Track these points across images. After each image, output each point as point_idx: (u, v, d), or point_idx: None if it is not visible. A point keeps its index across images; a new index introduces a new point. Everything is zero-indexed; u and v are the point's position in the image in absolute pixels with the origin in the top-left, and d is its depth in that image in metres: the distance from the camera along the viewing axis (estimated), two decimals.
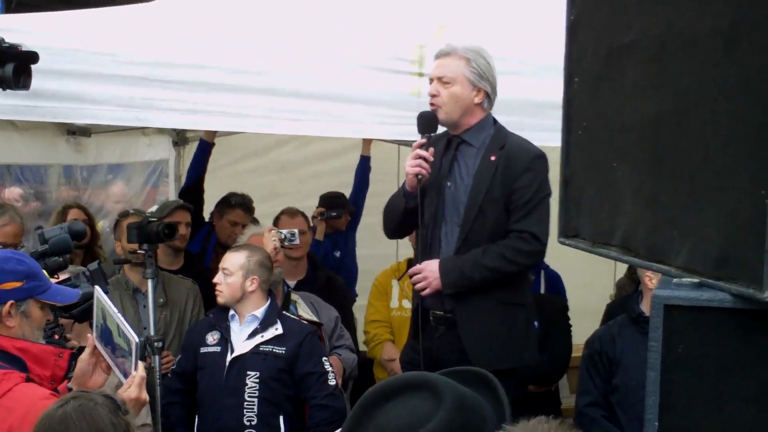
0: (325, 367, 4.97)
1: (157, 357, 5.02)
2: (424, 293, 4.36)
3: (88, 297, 3.77)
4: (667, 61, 1.84)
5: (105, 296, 3.60)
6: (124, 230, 5.45)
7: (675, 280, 1.78)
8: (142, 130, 7.74)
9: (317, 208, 7.11)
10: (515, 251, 4.34)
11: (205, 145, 6.91)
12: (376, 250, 7.23)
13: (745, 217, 1.61)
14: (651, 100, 1.90)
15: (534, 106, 4.71)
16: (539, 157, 4.40)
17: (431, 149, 4.33)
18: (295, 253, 5.98)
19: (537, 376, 5.56)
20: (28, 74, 4.25)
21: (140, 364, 3.33)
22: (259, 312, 5.01)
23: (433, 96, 4.34)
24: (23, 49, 4.24)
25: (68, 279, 4.11)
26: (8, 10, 11.10)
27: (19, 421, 3.08)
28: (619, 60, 2.01)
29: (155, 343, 5.03)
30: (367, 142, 7.30)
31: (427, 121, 4.35)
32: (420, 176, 4.32)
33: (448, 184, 4.40)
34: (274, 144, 8.04)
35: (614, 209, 2.02)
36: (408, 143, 4.68)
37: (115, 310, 3.48)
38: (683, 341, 1.74)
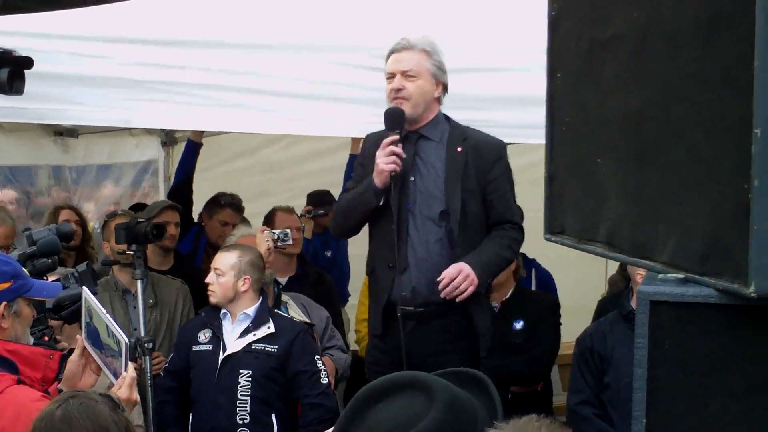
0: (318, 365, 4.96)
1: (147, 358, 5.01)
2: (465, 295, 4.29)
3: (77, 298, 3.76)
4: (648, 54, 1.83)
5: (93, 297, 3.59)
6: (112, 231, 5.43)
7: (660, 275, 1.77)
8: (130, 131, 7.73)
9: (305, 206, 7.10)
10: (515, 242, 4.50)
11: (193, 145, 6.90)
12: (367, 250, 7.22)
13: (729, 210, 1.60)
14: (633, 94, 1.89)
15: (516, 103, 4.71)
16: (504, 147, 4.49)
17: (400, 144, 4.32)
18: (288, 251, 5.97)
19: (517, 378, 5.52)
20: (22, 79, 4.23)
21: (130, 364, 3.33)
22: (251, 310, 5.00)
23: (398, 90, 4.32)
24: (17, 54, 4.23)
25: (57, 280, 4.10)
26: None
27: (12, 423, 3.08)
28: (601, 54, 2.00)
29: (146, 344, 5.02)
30: (356, 141, 7.25)
31: (394, 117, 4.33)
32: (393, 172, 4.30)
33: (412, 178, 4.38)
34: (262, 144, 8.04)
35: (599, 204, 2.01)
36: None
37: (104, 311, 3.47)
38: (669, 337, 1.73)
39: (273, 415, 4.91)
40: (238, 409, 4.86)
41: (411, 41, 4.33)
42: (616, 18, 1.91)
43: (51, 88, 4.89)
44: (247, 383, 4.87)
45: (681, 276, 1.74)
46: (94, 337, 3.51)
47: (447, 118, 4.47)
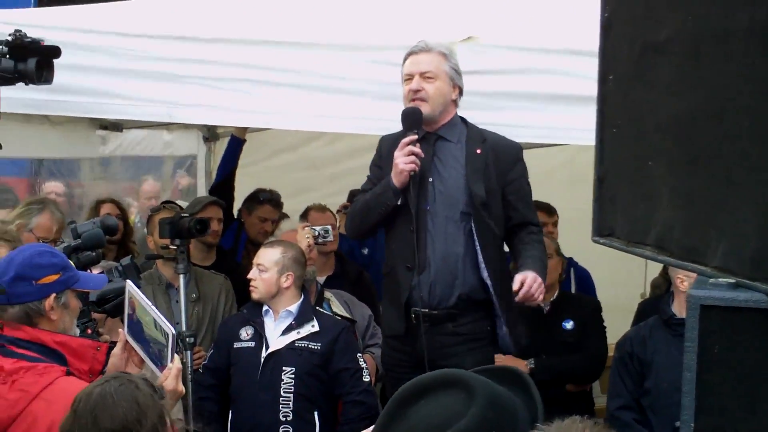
0: (360, 363, 4.98)
1: (188, 352, 5.04)
2: (540, 300, 4.39)
3: (121, 292, 3.79)
4: (701, 58, 1.82)
5: (137, 290, 3.62)
6: (156, 225, 5.48)
7: (711, 280, 1.77)
8: (173, 125, 7.78)
9: (344, 202, 7.12)
10: (542, 239, 4.58)
11: (237, 141, 6.93)
12: None
13: None
14: (686, 98, 1.88)
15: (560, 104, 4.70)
16: (521, 148, 4.57)
17: (418, 144, 4.34)
18: (327, 248, 5.99)
19: (575, 375, 5.54)
20: (51, 69, 4.26)
21: (176, 356, 3.35)
22: (294, 308, 5.02)
23: (417, 91, 4.36)
24: (46, 43, 4.26)
25: (101, 273, 4.14)
26: (41, 4, 11.19)
27: (62, 415, 3.10)
28: (654, 57, 1.99)
29: (187, 339, 5.05)
30: None
31: (412, 117, 4.36)
32: (413, 172, 4.32)
33: (430, 179, 4.41)
34: (304, 140, 8.06)
35: (649, 208, 2.01)
36: None
37: (149, 303, 3.50)
38: (719, 342, 1.73)
39: (315, 412, 4.93)
40: (281, 406, 4.88)
41: (428, 44, 4.39)
42: (670, 21, 1.90)
43: (97, 82, 4.95)
44: (290, 380, 4.89)
45: (732, 281, 1.74)
46: (136, 330, 3.54)
47: (463, 119, 4.50)
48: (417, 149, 4.32)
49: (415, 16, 5.11)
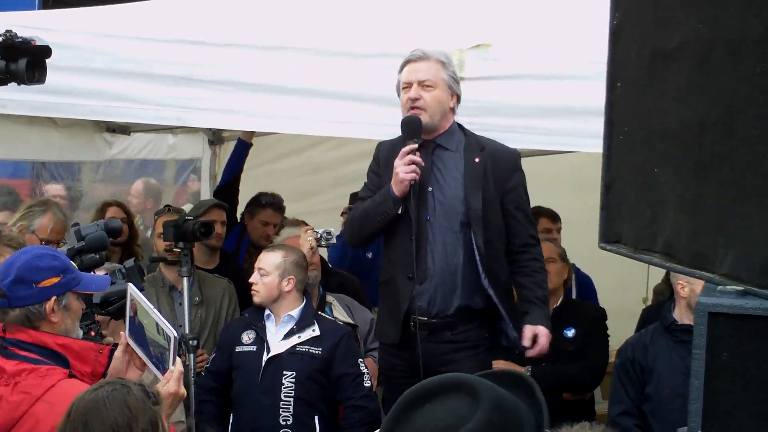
0: (361, 368, 4.99)
1: (191, 355, 5.05)
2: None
3: (124, 294, 3.79)
4: (712, 66, 1.82)
5: (139, 293, 3.62)
6: (161, 228, 5.48)
7: (719, 287, 1.77)
8: (178, 129, 7.79)
9: (347, 206, 7.12)
10: (543, 264, 4.59)
11: (243, 145, 6.94)
12: None
13: None
14: (695, 105, 1.88)
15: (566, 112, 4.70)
16: (520, 157, 4.56)
17: (418, 153, 4.34)
18: None
19: (573, 384, 5.53)
20: (43, 69, 4.27)
21: (178, 359, 3.35)
22: (295, 312, 5.03)
23: (415, 99, 4.35)
24: (37, 43, 4.26)
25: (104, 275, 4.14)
26: (45, 6, 11.20)
27: None
28: (664, 64, 1.99)
29: (190, 342, 5.06)
30: None
31: (411, 126, 4.37)
32: (413, 181, 4.32)
33: (430, 188, 4.41)
34: (308, 144, 8.05)
35: (657, 215, 2.01)
36: None
37: (151, 306, 3.50)
38: (727, 349, 1.73)
39: (316, 417, 4.94)
40: (281, 410, 4.89)
41: (426, 51, 4.39)
42: (680, 28, 1.90)
43: (104, 85, 4.96)
44: (291, 385, 4.90)
45: (740, 288, 1.74)
46: (138, 333, 3.54)
47: (461, 127, 4.50)
48: (417, 158, 4.33)
49: (424, 22, 5.12)
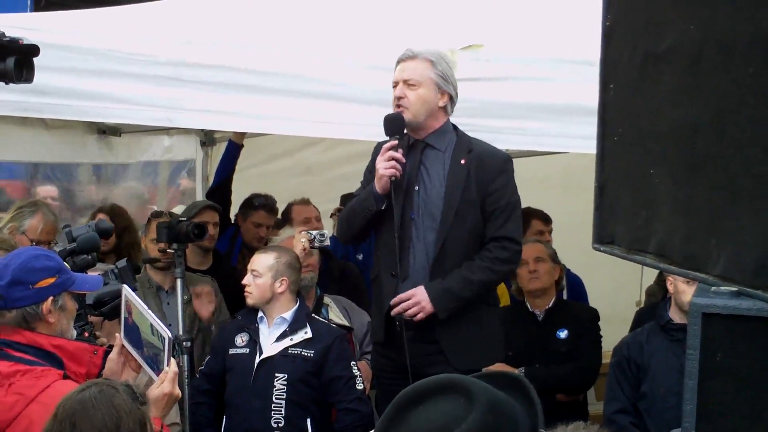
0: (353, 371, 4.99)
1: (185, 357, 5.05)
2: (417, 318, 4.35)
3: (117, 294, 3.79)
4: (704, 68, 1.83)
5: (134, 294, 3.62)
6: (154, 229, 5.48)
7: (713, 288, 1.77)
8: (167, 130, 7.78)
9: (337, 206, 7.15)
10: (498, 261, 4.44)
11: (234, 146, 6.94)
12: None
13: None
14: (688, 107, 1.89)
15: (558, 113, 4.71)
16: (508, 160, 4.51)
17: (400, 150, 4.35)
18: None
19: (566, 386, 5.54)
20: (31, 68, 4.26)
21: (172, 360, 3.35)
22: (288, 314, 5.03)
23: (399, 98, 4.37)
24: (25, 42, 4.26)
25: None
26: (38, 8, 11.19)
27: None
28: (656, 66, 2.00)
29: (183, 343, 5.06)
30: None
31: (394, 123, 4.38)
32: (393, 178, 4.33)
33: (416, 187, 4.42)
34: (301, 146, 8.06)
35: (650, 216, 2.01)
36: None
37: (146, 308, 3.51)
38: (721, 350, 1.73)
39: (308, 420, 4.94)
40: (273, 412, 4.89)
41: (416, 51, 4.39)
42: (672, 30, 1.91)
43: (95, 86, 4.95)
44: (282, 387, 4.90)
45: (734, 289, 1.74)
46: (132, 334, 3.54)
47: (455, 128, 4.49)
48: (397, 155, 4.35)
49: (416, 23, 5.12)
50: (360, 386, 4.99)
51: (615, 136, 2.16)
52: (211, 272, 6.06)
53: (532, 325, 5.56)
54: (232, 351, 5.06)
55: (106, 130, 7.46)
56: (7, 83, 4.21)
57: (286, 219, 6.74)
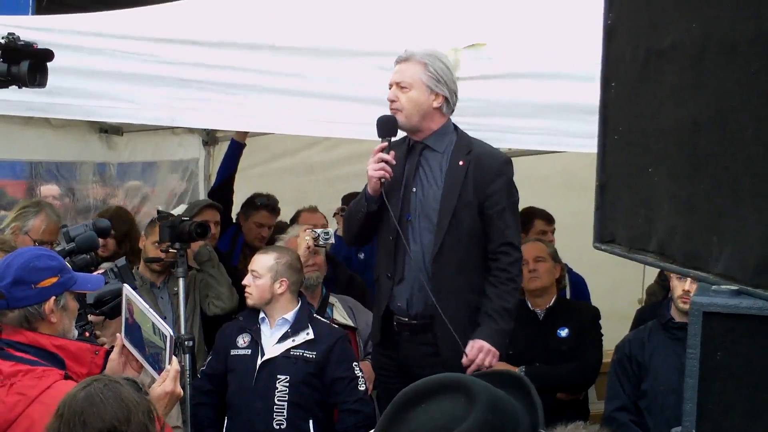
0: (355, 372, 4.99)
1: (187, 356, 5.05)
2: (492, 365, 4.36)
3: (117, 293, 3.79)
4: (706, 66, 1.83)
5: (135, 293, 3.62)
6: (156, 235, 5.48)
7: (714, 287, 1.77)
8: (172, 130, 7.79)
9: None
10: (512, 272, 4.45)
11: (237, 145, 6.94)
12: None
13: None
14: (689, 105, 1.88)
15: (560, 111, 4.70)
16: (507, 162, 4.50)
17: (392, 152, 4.36)
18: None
19: (566, 385, 5.54)
20: (44, 72, 4.27)
21: (174, 358, 3.35)
22: (290, 315, 5.03)
23: (392, 101, 4.38)
24: (40, 46, 4.26)
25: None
26: (39, 9, 11.20)
27: None
28: (658, 64, 1.99)
29: (185, 342, 5.06)
30: None
31: (386, 125, 4.39)
32: (383, 180, 4.34)
33: (414, 189, 4.42)
34: (303, 145, 8.06)
35: (651, 214, 2.01)
36: None
37: (147, 306, 3.50)
38: (722, 349, 1.73)
39: (310, 421, 4.95)
40: (275, 414, 4.89)
41: (410, 52, 4.40)
42: (674, 28, 1.90)
43: (99, 85, 4.95)
44: (284, 388, 4.90)
45: (734, 288, 1.74)
46: (134, 334, 3.54)
47: (456, 128, 4.49)
48: (387, 156, 4.35)
49: (419, 22, 5.12)
50: (362, 387, 4.99)
51: (616, 135, 2.16)
52: None
53: (532, 324, 5.55)
54: (233, 352, 5.06)
55: (108, 129, 7.47)
56: (20, 87, 4.23)
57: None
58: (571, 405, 5.56)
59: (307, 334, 4.98)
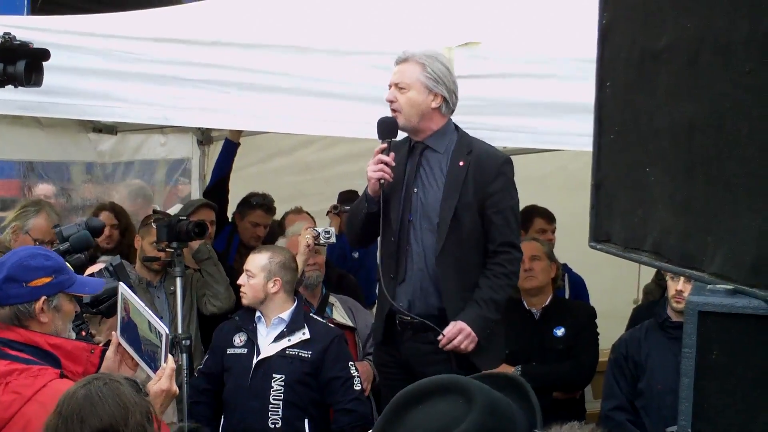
0: (351, 372, 4.99)
1: (184, 355, 5.05)
2: (470, 349, 4.35)
3: (113, 292, 3.78)
4: (701, 66, 1.83)
5: (130, 292, 3.61)
6: (153, 236, 5.47)
7: (709, 286, 1.78)
8: (162, 129, 7.78)
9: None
10: (513, 274, 4.49)
11: (231, 144, 6.93)
12: None
13: None
14: (684, 106, 1.89)
15: (557, 110, 4.71)
16: (508, 162, 4.48)
17: (392, 154, 4.36)
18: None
19: (563, 383, 5.54)
20: (40, 71, 4.25)
21: (170, 356, 3.34)
22: (286, 315, 5.03)
23: (391, 102, 4.38)
24: (34, 46, 4.26)
25: (91, 275, 4.13)
26: (34, 9, 11.20)
27: None
28: (653, 64, 2.00)
29: (183, 341, 5.06)
30: None
31: (387, 127, 4.40)
32: (383, 181, 4.35)
33: (415, 190, 4.43)
34: (298, 144, 8.05)
35: (646, 214, 2.01)
36: None
37: (143, 305, 3.50)
38: (717, 348, 1.73)
39: (305, 420, 4.95)
40: (270, 413, 4.90)
41: (407, 53, 4.39)
42: (669, 29, 1.91)
43: (91, 84, 4.95)
44: (279, 388, 4.90)
45: (730, 287, 1.75)
46: (130, 332, 3.53)
47: (457, 128, 4.49)
48: (386, 158, 4.35)
49: (413, 20, 5.12)
50: (358, 387, 4.99)
51: (611, 135, 2.16)
52: None
53: (529, 323, 5.56)
54: (230, 351, 5.07)
55: (101, 129, 7.46)
56: (15, 86, 4.22)
57: (282, 228, 6.73)
58: (568, 404, 5.56)
59: (303, 334, 4.98)
